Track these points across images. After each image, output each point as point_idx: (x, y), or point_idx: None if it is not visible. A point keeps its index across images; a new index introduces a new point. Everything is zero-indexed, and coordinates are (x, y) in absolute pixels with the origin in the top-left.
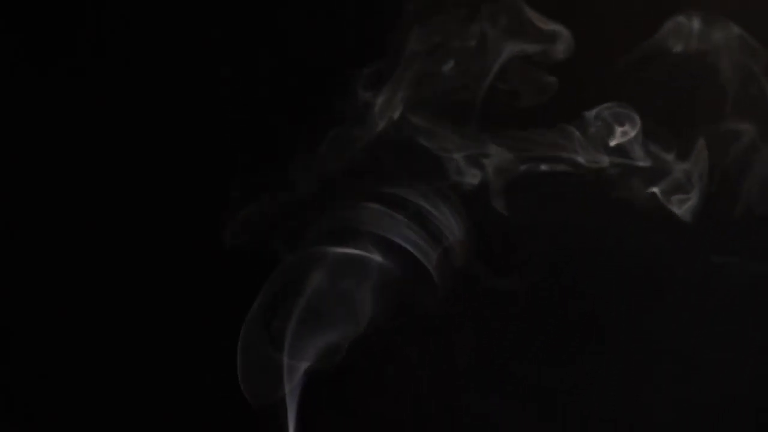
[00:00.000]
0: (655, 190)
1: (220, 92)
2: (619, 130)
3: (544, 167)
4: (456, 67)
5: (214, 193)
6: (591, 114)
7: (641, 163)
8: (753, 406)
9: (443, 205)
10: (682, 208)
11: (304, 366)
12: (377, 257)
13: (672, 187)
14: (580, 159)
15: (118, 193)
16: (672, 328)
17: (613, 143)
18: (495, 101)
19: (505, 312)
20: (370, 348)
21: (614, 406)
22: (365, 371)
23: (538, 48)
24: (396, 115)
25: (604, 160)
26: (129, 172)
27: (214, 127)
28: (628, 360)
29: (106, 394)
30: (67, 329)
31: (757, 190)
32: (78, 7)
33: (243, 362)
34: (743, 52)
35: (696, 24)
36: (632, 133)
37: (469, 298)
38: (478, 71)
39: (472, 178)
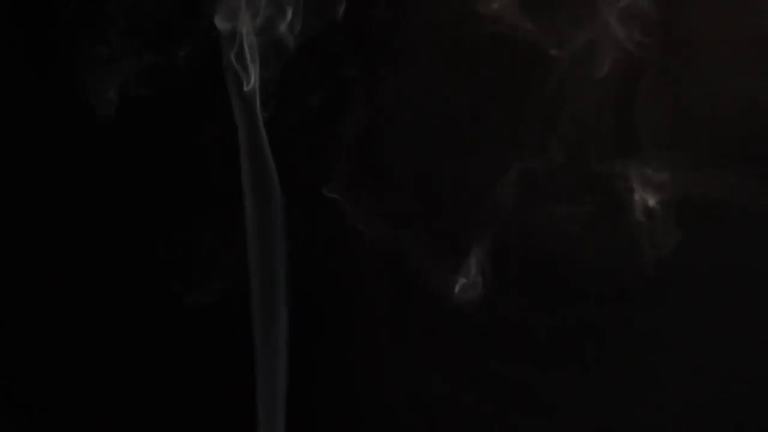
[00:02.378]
0: None
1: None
2: None
3: None
4: None
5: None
6: None
7: None
8: (753, 406)
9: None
10: None
11: None
12: None
13: None
14: None
15: (117, 193)
16: (672, 328)
17: None
18: None
19: (505, 313)
20: (371, 345)
21: (614, 406)
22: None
23: None
24: None
25: None
26: (128, 171)
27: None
28: (628, 360)
29: (106, 394)
30: (66, 329)
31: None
32: (78, 6)
33: None
34: None
35: None
36: None
37: (469, 300)
38: None
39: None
